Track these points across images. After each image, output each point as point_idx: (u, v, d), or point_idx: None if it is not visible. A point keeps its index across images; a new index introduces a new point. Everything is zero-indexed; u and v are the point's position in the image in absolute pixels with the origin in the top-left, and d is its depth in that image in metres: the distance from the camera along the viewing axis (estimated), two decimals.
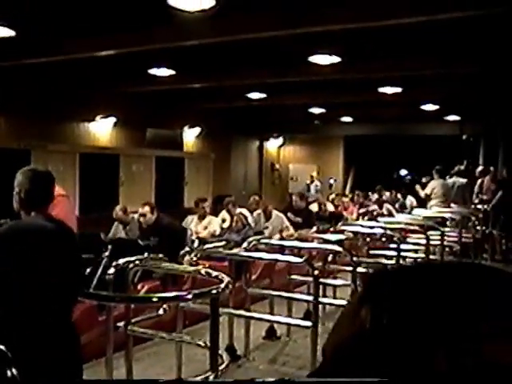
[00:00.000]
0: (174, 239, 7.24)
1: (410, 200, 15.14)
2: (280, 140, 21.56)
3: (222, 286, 3.42)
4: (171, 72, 10.85)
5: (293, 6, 6.65)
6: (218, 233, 9.16)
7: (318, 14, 6.75)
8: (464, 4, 6.26)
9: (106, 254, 7.18)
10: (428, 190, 12.64)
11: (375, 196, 15.52)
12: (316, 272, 4.80)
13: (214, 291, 3.32)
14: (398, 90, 12.26)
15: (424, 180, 13.84)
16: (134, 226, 8.25)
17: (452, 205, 12.19)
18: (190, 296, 3.41)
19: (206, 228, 9.20)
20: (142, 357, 5.37)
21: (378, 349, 0.61)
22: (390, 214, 12.57)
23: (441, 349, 0.59)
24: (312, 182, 19.11)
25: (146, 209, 7.55)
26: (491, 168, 14.23)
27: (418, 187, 13.81)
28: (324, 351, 0.68)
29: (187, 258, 5.28)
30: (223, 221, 9.61)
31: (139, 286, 6.25)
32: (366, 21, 6.91)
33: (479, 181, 13.41)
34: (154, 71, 10.81)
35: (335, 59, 9.27)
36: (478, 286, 0.64)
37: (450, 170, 13.84)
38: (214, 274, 3.69)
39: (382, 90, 12.29)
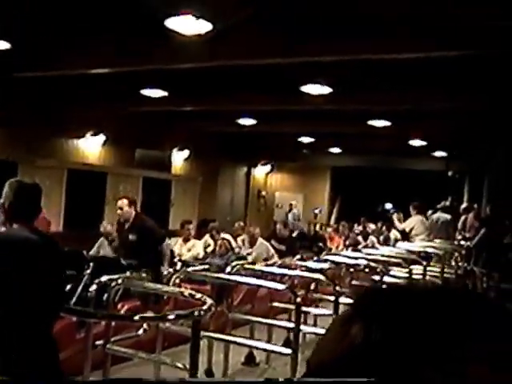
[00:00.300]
0: (153, 241, 7.14)
1: (394, 234, 15.21)
2: (268, 167, 21.64)
3: (205, 307, 3.41)
4: (164, 93, 10.89)
5: (287, 36, 6.74)
6: (201, 256, 9.15)
7: (311, 45, 6.84)
8: (456, 44, 6.38)
9: (88, 271, 7.13)
10: (407, 228, 12.77)
11: (360, 228, 15.59)
12: (298, 299, 4.80)
13: (197, 313, 3.31)
14: (387, 123, 12.39)
15: (396, 216, 13.89)
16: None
17: (436, 240, 12.28)
18: (172, 316, 3.39)
19: (189, 250, 9.18)
20: (119, 377, 5.31)
21: (366, 364, 0.62)
22: (374, 246, 12.63)
23: (427, 368, 0.60)
24: (290, 210, 19.15)
25: (124, 201, 7.27)
26: (475, 205, 14.38)
27: (395, 217, 13.91)
28: (308, 363, 0.68)
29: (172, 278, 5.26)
30: (207, 246, 9.60)
31: (119, 306, 6.18)
32: (358, 53, 7.02)
33: (463, 217, 13.54)
34: (146, 92, 10.84)
35: (327, 90, 9.37)
36: (465, 308, 0.66)
37: (435, 205, 13.95)
38: (198, 295, 3.67)
39: (371, 122, 12.41)
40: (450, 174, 17.89)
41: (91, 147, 14.09)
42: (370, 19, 6.27)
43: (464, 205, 14.57)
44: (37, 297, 2.75)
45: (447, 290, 0.70)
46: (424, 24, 6.22)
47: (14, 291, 2.68)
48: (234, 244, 9.60)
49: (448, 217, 13.28)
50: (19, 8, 6.71)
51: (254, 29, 6.70)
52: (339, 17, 6.29)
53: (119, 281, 4.52)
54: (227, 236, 9.58)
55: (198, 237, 10.37)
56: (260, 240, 9.99)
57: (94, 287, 4.40)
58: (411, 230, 12.70)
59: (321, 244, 12.78)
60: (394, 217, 13.91)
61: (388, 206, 22.94)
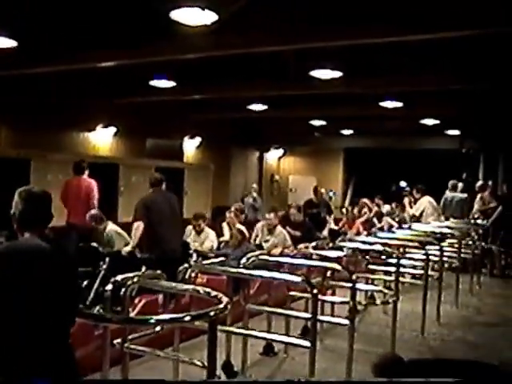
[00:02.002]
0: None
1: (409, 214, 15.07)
2: (280, 151, 21.57)
3: (221, 306, 3.38)
4: (172, 83, 10.86)
5: (294, 23, 6.67)
6: (215, 247, 9.14)
7: (318, 31, 6.77)
8: (467, 23, 6.28)
9: (104, 266, 7.17)
10: (417, 211, 12.68)
11: (375, 208, 15.42)
12: (315, 291, 4.77)
13: (212, 313, 3.29)
14: (399, 104, 12.29)
15: (407, 200, 13.83)
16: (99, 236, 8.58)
17: (451, 219, 12.22)
18: (188, 318, 3.37)
19: (203, 243, 9.18)
20: (138, 372, 5.32)
21: None
22: (390, 229, 12.55)
23: None
24: (247, 194, 16.42)
25: None
26: (489, 182, 14.26)
27: (406, 201, 13.84)
28: None
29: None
30: (222, 235, 9.60)
31: (136, 300, 6.21)
32: (366, 37, 6.93)
33: (479, 195, 13.44)
34: (154, 82, 10.82)
35: (336, 74, 9.28)
36: None
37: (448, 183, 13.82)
38: (213, 293, 3.65)
39: (382, 104, 12.31)
40: (463, 151, 17.71)
41: (102, 139, 14.13)
42: (377, 2, 6.19)
43: (479, 183, 14.44)
44: (50, 305, 2.74)
45: (465, 368, 0.69)
46: (431, 5, 6.13)
47: (26, 301, 2.67)
48: (246, 234, 9.58)
49: (462, 196, 13.19)
50: (24, 6, 6.69)
51: (259, 16, 6.64)
52: (345, 1, 6.21)
53: (135, 279, 4.52)
54: (241, 227, 9.54)
55: (213, 225, 10.35)
56: (279, 228, 9.89)
57: (109, 286, 4.41)
58: (422, 212, 12.64)
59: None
60: (405, 201, 13.83)
61: (402, 184, 22.81)
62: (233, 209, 10.75)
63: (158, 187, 7.73)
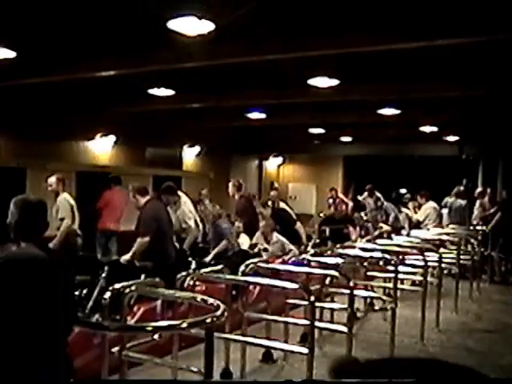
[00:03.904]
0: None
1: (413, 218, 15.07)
2: (280, 159, 21.60)
3: (218, 313, 3.40)
4: (171, 92, 10.89)
5: (291, 31, 6.70)
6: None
7: (316, 39, 6.80)
8: (463, 31, 6.32)
9: (103, 275, 7.16)
10: (421, 217, 12.78)
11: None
12: (312, 298, 4.78)
13: (209, 320, 3.30)
14: (397, 111, 12.31)
15: (412, 205, 13.93)
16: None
17: (451, 226, 12.24)
18: (185, 325, 3.39)
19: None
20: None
21: None
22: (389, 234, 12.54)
23: None
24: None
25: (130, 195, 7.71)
26: (488, 189, 14.28)
27: (410, 206, 13.90)
28: None
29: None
30: None
31: (135, 308, 6.22)
32: (364, 46, 6.97)
33: (478, 202, 13.46)
34: (153, 91, 10.84)
35: (334, 82, 9.31)
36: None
37: (449, 190, 13.84)
38: (210, 301, 3.66)
39: (380, 111, 12.34)
40: (463, 157, 17.74)
41: (102, 148, 14.15)
42: (373, 10, 6.22)
43: (479, 189, 14.46)
44: (46, 314, 2.75)
45: (421, 365, 0.71)
46: (427, 13, 6.17)
47: (23, 310, 2.69)
48: (244, 239, 9.60)
49: (462, 202, 13.21)
50: (23, 17, 6.73)
51: (255, 25, 6.67)
52: (341, 10, 6.24)
53: (133, 287, 4.53)
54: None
55: None
56: (275, 236, 9.72)
57: (108, 294, 4.42)
58: (425, 218, 12.73)
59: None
60: (410, 205, 13.87)
61: (402, 190, 22.83)
62: (231, 183, 11.31)
63: (148, 195, 7.72)
